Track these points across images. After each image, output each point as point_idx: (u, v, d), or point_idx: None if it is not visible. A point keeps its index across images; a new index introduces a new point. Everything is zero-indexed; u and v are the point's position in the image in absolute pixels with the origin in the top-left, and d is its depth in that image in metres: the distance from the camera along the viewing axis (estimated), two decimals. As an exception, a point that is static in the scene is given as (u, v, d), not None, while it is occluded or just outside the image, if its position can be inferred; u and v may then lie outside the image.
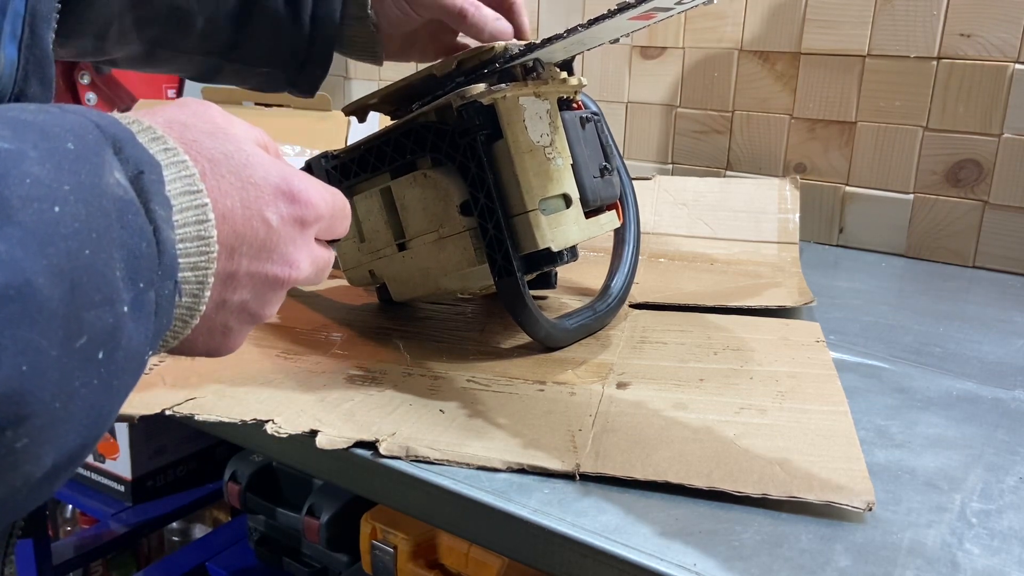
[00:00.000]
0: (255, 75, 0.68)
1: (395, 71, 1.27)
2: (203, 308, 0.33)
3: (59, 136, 0.27)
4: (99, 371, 0.27)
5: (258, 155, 0.35)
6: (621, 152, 0.90)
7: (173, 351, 0.36)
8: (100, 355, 0.26)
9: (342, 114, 0.69)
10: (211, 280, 0.32)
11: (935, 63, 0.90)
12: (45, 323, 0.24)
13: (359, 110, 0.67)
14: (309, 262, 0.38)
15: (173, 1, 0.61)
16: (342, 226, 0.42)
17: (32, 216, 0.24)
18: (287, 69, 0.67)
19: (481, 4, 0.62)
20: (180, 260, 0.31)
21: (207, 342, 0.36)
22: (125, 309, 0.27)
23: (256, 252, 0.35)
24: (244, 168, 0.34)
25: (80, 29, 0.61)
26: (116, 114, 0.32)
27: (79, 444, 0.27)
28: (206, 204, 0.32)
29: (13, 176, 0.24)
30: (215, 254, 0.32)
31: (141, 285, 0.28)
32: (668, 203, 0.95)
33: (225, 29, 0.64)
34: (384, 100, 0.65)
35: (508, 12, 0.65)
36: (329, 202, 0.39)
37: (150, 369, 0.57)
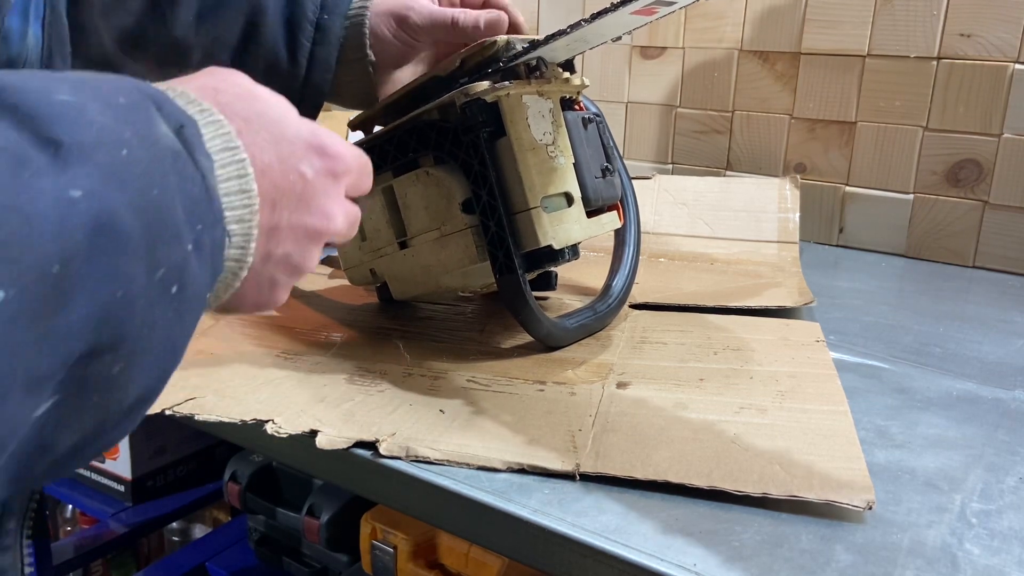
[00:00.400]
0: None
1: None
2: (251, 260, 0.34)
3: (110, 92, 0.28)
4: (173, 305, 0.28)
5: (288, 113, 0.37)
6: (621, 152, 0.90)
7: (226, 309, 0.37)
8: (174, 289, 0.28)
9: (343, 113, 0.69)
10: (256, 232, 0.34)
11: (935, 63, 0.90)
12: (132, 253, 0.26)
13: (364, 123, 0.67)
14: (343, 214, 0.39)
15: (172, 33, 0.61)
16: (367, 182, 0.43)
17: (105, 157, 0.26)
18: None
19: (465, 9, 0.63)
20: (226, 212, 0.32)
21: (256, 296, 0.37)
22: (189, 248, 0.29)
23: (295, 205, 0.36)
24: (276, 125, 0.36)
25: (73, 54, 0.61)
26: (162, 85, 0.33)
27: (156, 377, 0.29)
28: (244, 159, 0.33)
29: (82, 123, 0.26)
30: (257, 206, 0.33)
31: (199, 227, 0.30)
32: (668, 203, 0.95)
33: (222, 64, 0.64)
34: (388, 109, 0.65)
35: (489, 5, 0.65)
36: (356, 156, 0.41)
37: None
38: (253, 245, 0.34)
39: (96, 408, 0.26)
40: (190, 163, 0.30)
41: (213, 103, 0.34)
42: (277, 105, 0.37)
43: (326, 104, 1.18)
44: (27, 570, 0.45)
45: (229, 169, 0.32)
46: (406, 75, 0.68)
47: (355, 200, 0.64)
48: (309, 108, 0.66)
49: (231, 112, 0.34)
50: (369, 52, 0.64)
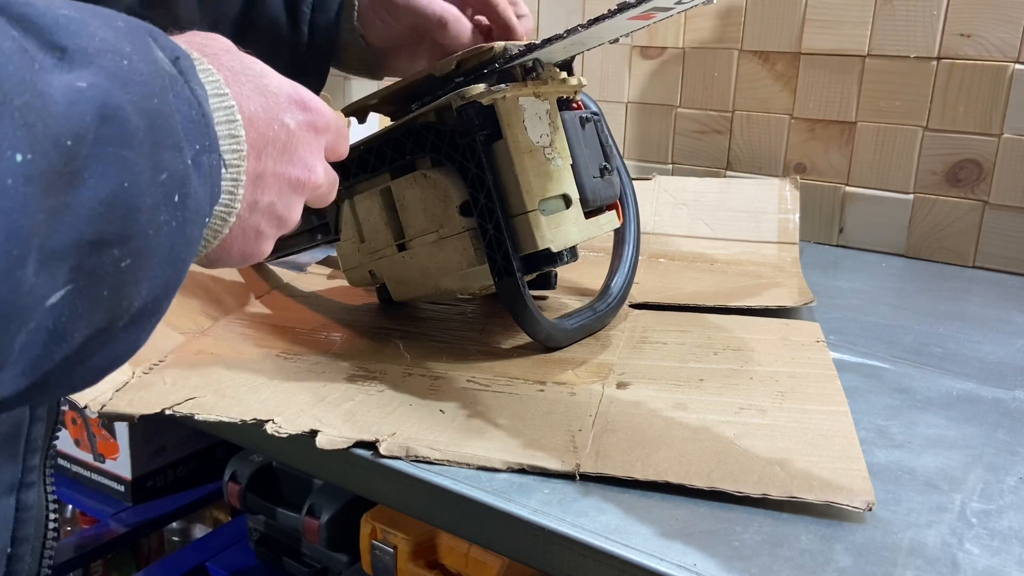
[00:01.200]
0: None
1: (395, 71, 1.26)
2: (238, 206, 0.35)
3: (109, 16, 0.29)
4: (176, 213, 0.29)
5: (269, 69, 0.38)
6: (621, 152, 0.90)
7: (212, 260, 0.37)
8: (176, 198, 0.29)
9: (342, 115, 0.69)
10: (244, 178, 0.34)
11: (935, 63, 0.90)
12: (138, 148, 0.27)
13: (359, 111, 0.67)
14: (323, 169, 0.41)
15: (176, 12, 0.62)
16: (343, 145, 0.44)
17: (109, 63, 0.27)
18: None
19: (461, 16, 0.63)
20: (218, 133, 0.33)
21: (242, 246, 0.38)
22: (189, 162, 0.30)
23: (279, 154, 0.37)
24: (260, 78, 0.37)
25: None
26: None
27: (161, 287, 0.30)
28: (233, 106, 0.34)
29: (85, 34, 0.27)
30: (246, 153, 0.34)
31: (197, 147, 0.30)
32: (668, 203, 0.95)
33: (227, 36, 0.65)
34: (384, 101, 0.65)
35: (492, 11, 0.65)
36: (335, 116, 0.42)
37: (149, 369, 0.57)
38: (241, 191, 0.35)
39: (107, 303, 0.27)
40: (187, 88, 0.31)
41: (201, 54, 0.35)
42: (259, 62, 0.38)
43: (327, 104, 1.18)
44: (52, 506, 0.46)
45: (219, 114, 0.33)
46: (399, 52, 0.68)
47: (354, 202, 0.65)
48: (315, 75, 0.68)
49: (218, 63, 0.35)
50: (357, 24, 0.64)
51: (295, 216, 0.40)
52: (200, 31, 0.38)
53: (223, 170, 0.33)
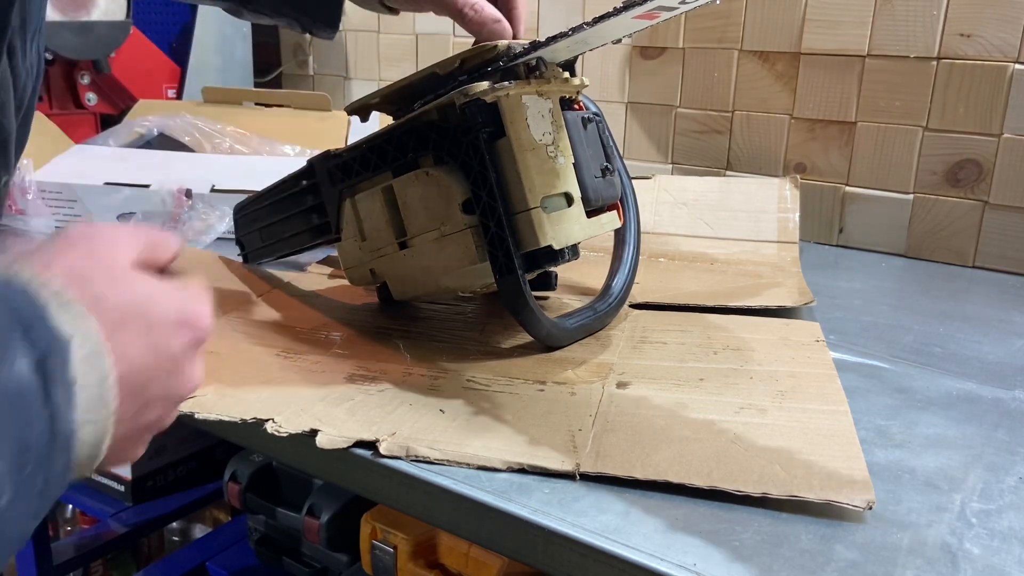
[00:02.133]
0: (272, 21, 0.74)
1: (396, 71, 1.27)
2: (105, 449, 0.34)
3: None
4: None
5: (156, 291, 0.36)
6: (621, 152, 0.90)
7: (82, 473, 0.36)
8: None
9: (343, 114, 0.69)
10: (111, 430, 0.34)
11: (935, 63, 0.90)
12: None
13: (361, 109, 0.67)
14: (200, 371, 0.40)
15: None
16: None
17: None
18: (299, 20, 0.72)
19: (484, 3, 0.63)
20: (77, 425, 0.32)
21: (118, 458, 0.38)
22: (3, 503, 0.28)
23: (165, 381, 0.37)
24: (147, 310, 0.36)
25: None
26: (30, 274, 0.32)
27: None
28: (108, 372, 0.33)
29: None
30: (113, 410, 0.33)
31: (28, 470, 0.29)
32: (668, 203, 0.95)
33: None
34: (386, 100, 0.65)
35: (508, 12, 0.65)
36: (211, 315, 0.40)
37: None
38: (107, 443, 0.34)
39: None
40: (39, 400, 0.30)
41: (83, 297, 0.33)
42: (143, 282, 0.36)
43: (327, 104, 1.18)
44: None
45: (90, 378, 0.32)
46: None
47: (356, 200, 0.64)
48: (326, 22, 0.71)
49: (102, 308, 0.33)
50: None
51: (173, 418, 0.40)
52: (82, 233, 0.36)
53: (70, 468, 0.32)
